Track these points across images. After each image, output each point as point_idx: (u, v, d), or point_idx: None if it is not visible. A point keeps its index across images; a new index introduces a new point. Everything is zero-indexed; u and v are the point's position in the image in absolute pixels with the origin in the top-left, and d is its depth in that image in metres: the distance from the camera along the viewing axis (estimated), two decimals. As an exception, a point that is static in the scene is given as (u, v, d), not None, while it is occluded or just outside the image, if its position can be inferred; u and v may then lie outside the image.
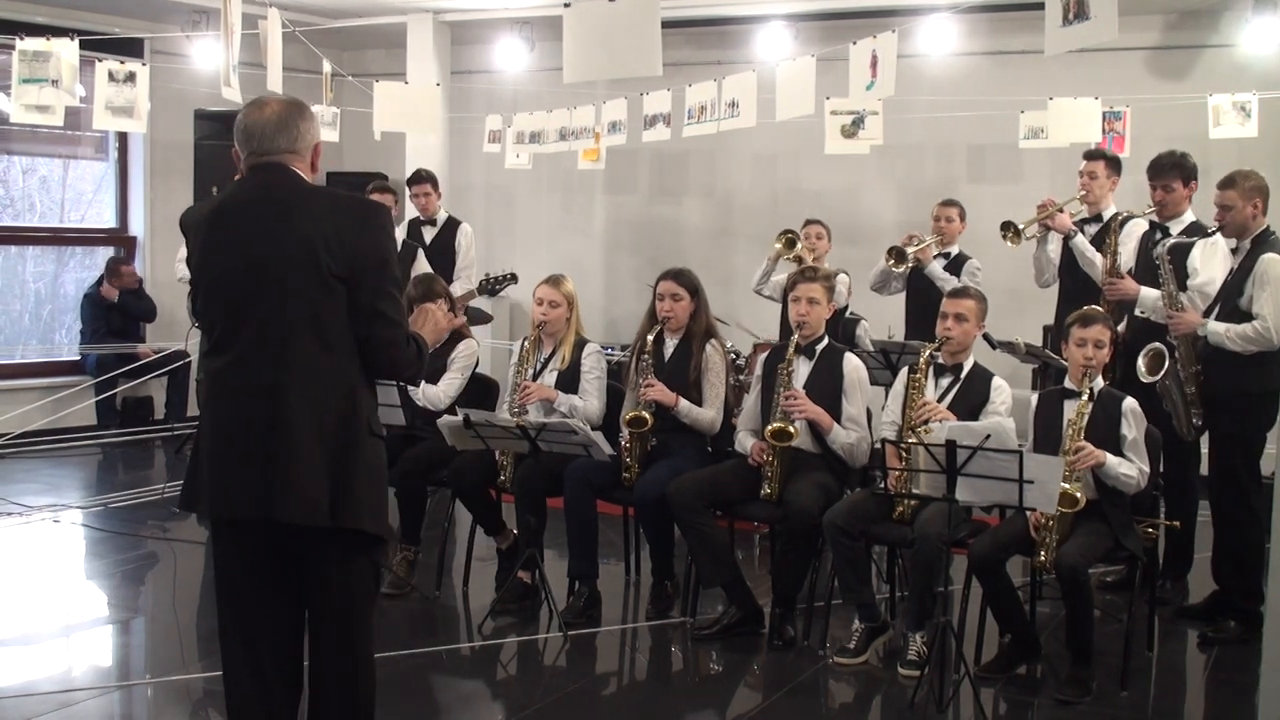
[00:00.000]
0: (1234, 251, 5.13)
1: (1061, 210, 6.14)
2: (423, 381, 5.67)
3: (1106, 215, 6.08)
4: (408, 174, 9.28)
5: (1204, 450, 5.30)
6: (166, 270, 8.90)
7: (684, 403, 5.29)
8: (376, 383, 3.11)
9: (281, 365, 2.91)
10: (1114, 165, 6.20)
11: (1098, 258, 5.92)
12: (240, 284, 2.96)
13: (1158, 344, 5.09)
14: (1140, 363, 5.06)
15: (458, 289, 7.22)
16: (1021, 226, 6.28)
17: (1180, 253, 5.30)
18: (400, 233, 7.50)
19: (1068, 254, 6.12)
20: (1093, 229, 6.09)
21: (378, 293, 2.96)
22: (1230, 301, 5.02)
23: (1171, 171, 5.55)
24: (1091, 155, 6.25)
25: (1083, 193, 6.17)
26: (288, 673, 3.13)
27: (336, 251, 2.92)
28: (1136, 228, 5.85)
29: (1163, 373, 5.00)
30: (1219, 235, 5.16)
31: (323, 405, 2.91)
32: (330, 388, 2.93)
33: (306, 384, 2.91)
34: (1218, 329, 4.96)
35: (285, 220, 2.94)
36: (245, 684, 3.09)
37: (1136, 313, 5.52)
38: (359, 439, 2.95)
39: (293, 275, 2.92)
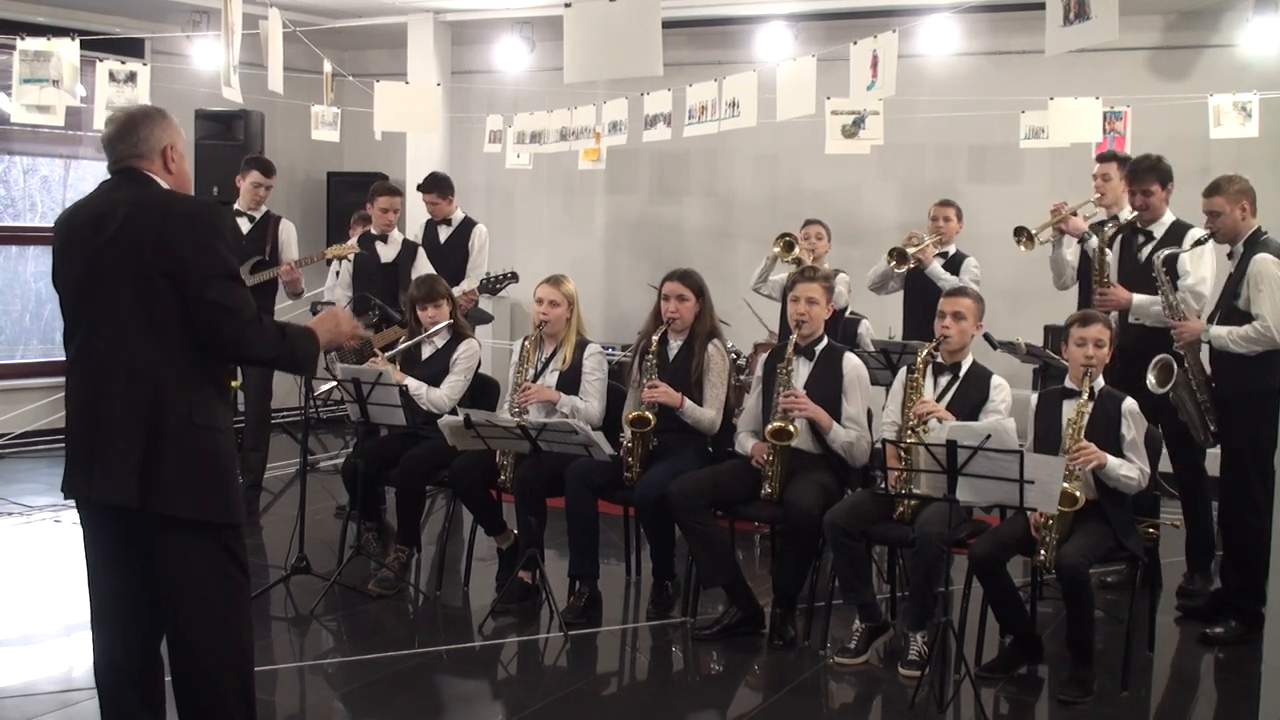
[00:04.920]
0: (1229, 256, 5.15)
1: (1075, 214, 6.13)
2: (426, 386, 5.68)
3: (1123, 216, 5.96)
4: (408, 174, 9.27)
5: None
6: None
7: (688, 403, 5.29)
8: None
9: (105, 361, 3.12)
10: (1126, 165, 6.15)
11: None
12: (77, 286, 3.18)
13: (1165, 355, 5.08)
14: (1150, 376, 5.05)
15: (464, 287, 7.21)
16: (1035, 231, 6.26)
17: (1173, 261, 5.34)
18: (416, 234, 7.57)
19: (1085, 256, 6.11)
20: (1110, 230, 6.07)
21: (206, 284, 3.08)
22: (1228, 304, 5.04)
23: (1149, 175, 5.52)
24: (1104, 158, 6.25)
25: (1098, 195, 6.16)
26: (152, 657, 3.33)
27: (162, 250, 3.06)
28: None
29: (1172, 383, 5.00)
30: (1211, 242, 5.19)
31: (136, 396, 3.09)
32: (145, 379, 3.09)
33: (122, 377, 3.10)
34: (1220, 333, 4.99)
35: (117, 224, 3.10)
36: (114, 665, 3.29)
37: (1131, 320, 5.49)
38: (169, 428, 3.09)
39: (120, 277, 3.09)
